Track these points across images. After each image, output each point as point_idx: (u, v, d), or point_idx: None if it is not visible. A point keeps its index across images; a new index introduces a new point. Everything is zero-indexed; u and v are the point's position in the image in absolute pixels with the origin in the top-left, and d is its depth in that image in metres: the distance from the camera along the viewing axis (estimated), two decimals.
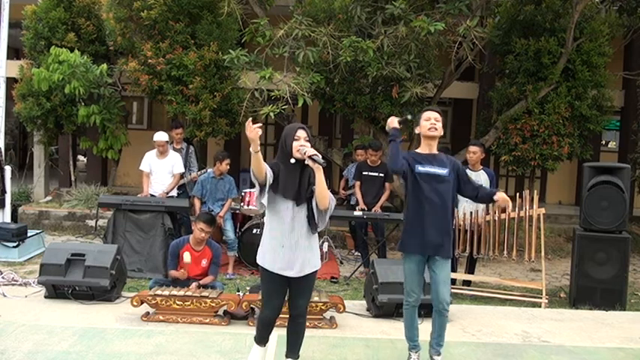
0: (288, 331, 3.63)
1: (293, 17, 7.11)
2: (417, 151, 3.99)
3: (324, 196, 3.28)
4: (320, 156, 3.25)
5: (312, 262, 3.44)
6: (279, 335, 4.10)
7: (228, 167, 6.74)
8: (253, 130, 3.13)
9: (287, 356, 3.65)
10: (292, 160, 3.31)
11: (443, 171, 3.84)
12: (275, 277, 3.39)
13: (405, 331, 4.00)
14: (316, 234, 3.47)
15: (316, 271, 3.52)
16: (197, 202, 6.70)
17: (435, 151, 3.94)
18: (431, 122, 3.87)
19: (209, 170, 6.86)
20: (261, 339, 3.67)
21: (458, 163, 4.01)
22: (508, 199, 3.94)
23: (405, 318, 3.98)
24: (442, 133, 3.91)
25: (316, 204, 3.32)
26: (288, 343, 3.64)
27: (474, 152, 6.18)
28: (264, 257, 3.42)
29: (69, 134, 9.76)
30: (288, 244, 3.34)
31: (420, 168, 3.81)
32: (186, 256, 5.20)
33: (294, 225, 3.34)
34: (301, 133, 3.35)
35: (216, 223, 5.84)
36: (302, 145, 3.29)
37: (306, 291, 3.53)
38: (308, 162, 3.26)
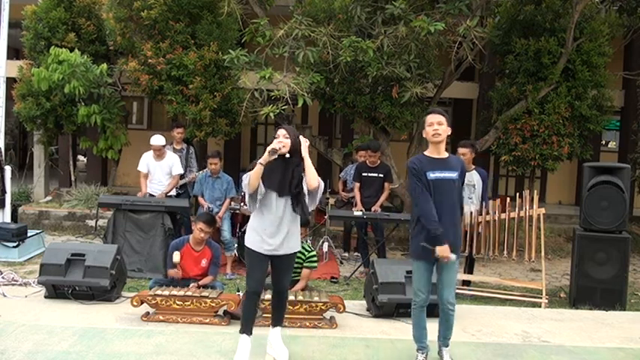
0: (272, 306, 4.07)
1: (293, 17, 7.10)
2: (426, 154, 3.92)
3: (311, 176, 3.71)
4: (281, 147, 3.67)
5: (290, 245, 3.88)
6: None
7: (216, 166, 6.79)
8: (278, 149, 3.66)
9: (274, 325, 4.04)
10: (275, 156, 3.73)
11: (453, 174, 3.82)
12: (257, 254, 3.84)
13: (413, 331, 4.01)
14: (297, 222, 3.91)
15: (295, 253, 3.98)
16: (202, 200, 6.84)
17: (443, 154, 3.88)
18: (434, 128, 3.81)
19: (206, 170, 6.93)
20: (246, 326, 3.90)
21: (465, 166, 4.06)
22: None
23: (413, 318, 3.99)
24: (449, 133, 3.85)
25: (307, 188, 3.77)
26: (272, 315, 4.07)
27: (463, 154, 5.90)
28: (249, 238, 3.88)
29: (69, 134, 9.76)
30: (271, 228, 3.80)
31: (432, 174, 3.78)
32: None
33: (277, 213, 3.80)
34: (280, 132, 3.80)
35: (215, 224, 5.84)
36: (279, 142, 3.72)
37: (288, 270, 4.01)
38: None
